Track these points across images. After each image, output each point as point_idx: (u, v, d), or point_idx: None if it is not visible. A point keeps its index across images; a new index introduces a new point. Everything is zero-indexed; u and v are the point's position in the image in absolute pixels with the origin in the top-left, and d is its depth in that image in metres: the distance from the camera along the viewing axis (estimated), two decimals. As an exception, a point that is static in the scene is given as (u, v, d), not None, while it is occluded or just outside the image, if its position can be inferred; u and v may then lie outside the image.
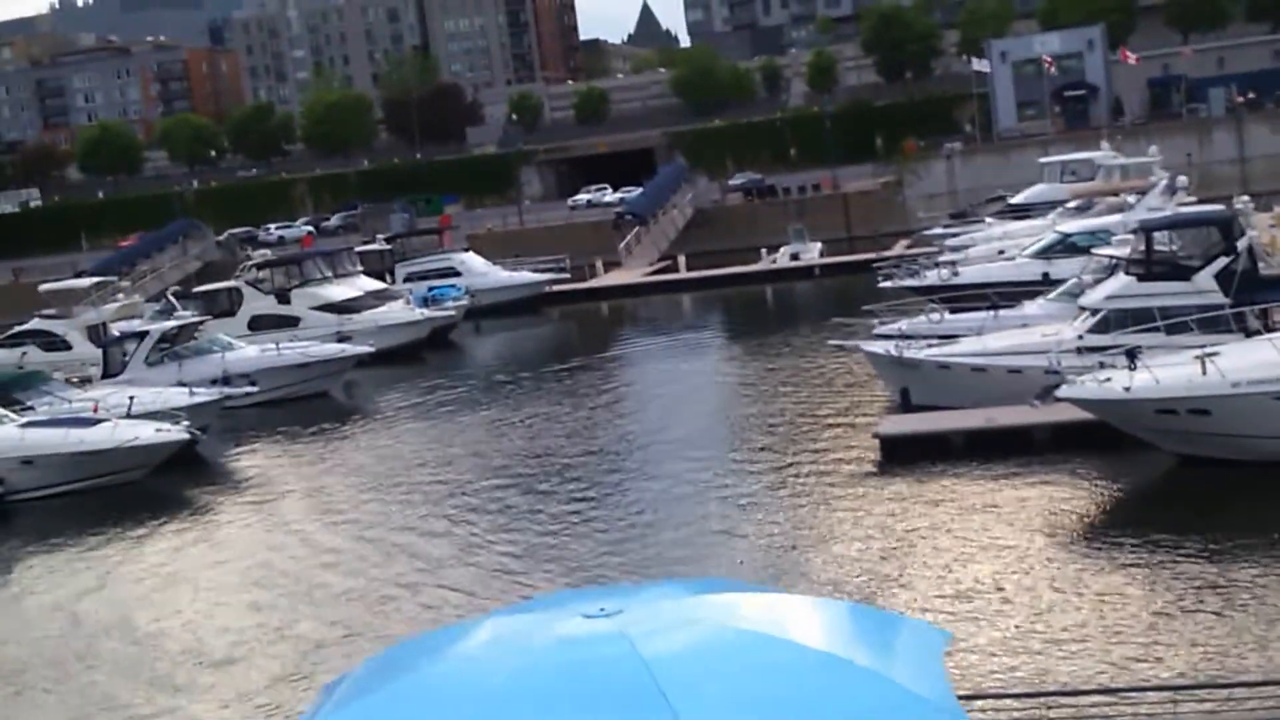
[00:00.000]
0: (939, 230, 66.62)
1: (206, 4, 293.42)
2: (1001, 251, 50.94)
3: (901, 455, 30.10)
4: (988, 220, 64.61)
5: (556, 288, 72.49)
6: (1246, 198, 32.84)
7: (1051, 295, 36.61)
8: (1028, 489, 27.04)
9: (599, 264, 78.15)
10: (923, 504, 26.90)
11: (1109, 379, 26.79)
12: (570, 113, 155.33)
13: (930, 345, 33.54)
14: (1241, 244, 30.17)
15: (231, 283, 60.70)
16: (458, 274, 69.88)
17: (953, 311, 37.67)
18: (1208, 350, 26.13)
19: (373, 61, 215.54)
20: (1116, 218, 45.53)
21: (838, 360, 41.64)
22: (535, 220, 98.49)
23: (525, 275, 72.34)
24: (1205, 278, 30.39)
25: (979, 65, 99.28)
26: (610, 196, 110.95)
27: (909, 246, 69.33)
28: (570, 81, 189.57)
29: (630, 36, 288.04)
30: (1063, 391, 27.10)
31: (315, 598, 25.55)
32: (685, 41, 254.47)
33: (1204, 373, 25.55)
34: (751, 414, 38.27)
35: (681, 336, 58.73)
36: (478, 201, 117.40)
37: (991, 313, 35.86)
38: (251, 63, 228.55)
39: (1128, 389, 26.23)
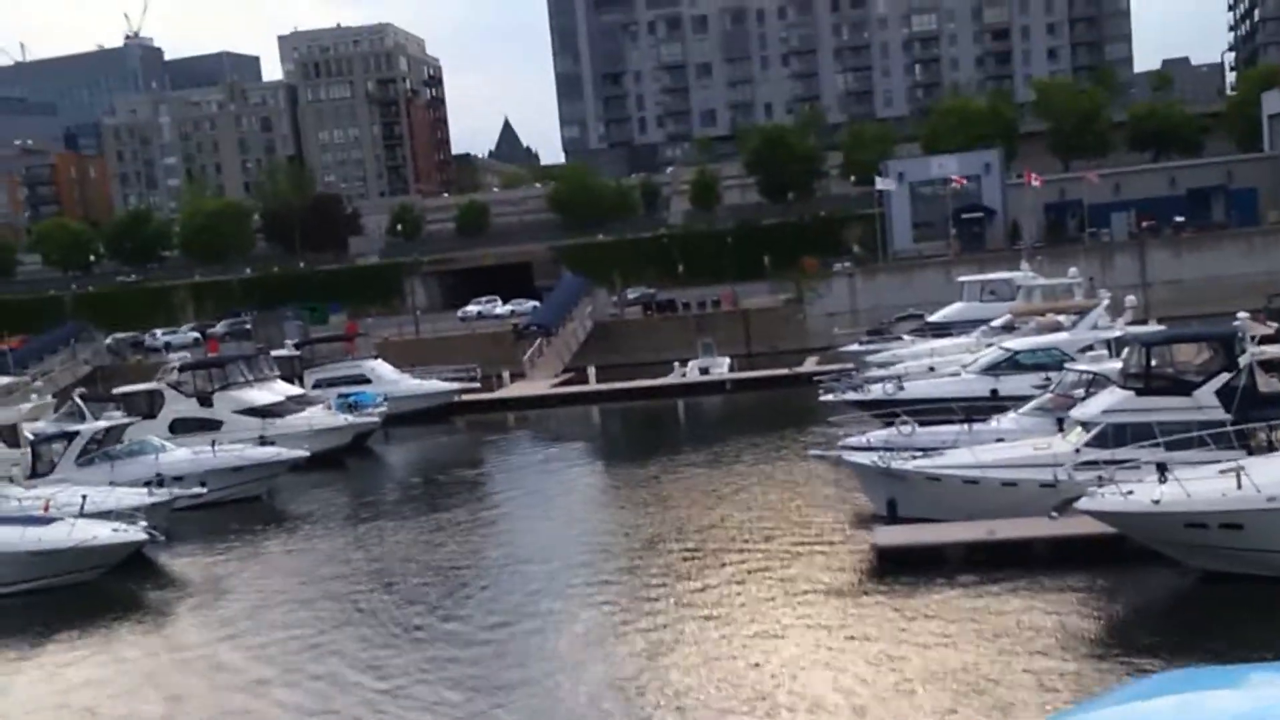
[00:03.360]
0: (856, 347, 67.26)
1: (63, 111, 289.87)
2: (932, 368, 51.43)
3: (899, 566, 29.62)
4: (905, 337, 65.47)
5: (466, 397, 72.36)
6: (1245, 314, 33.25)
7: (1024, 409, 36.81)
8: (1040, 604, 26.42)
9: (506, 374, 78.45)
10: (927, 620, 26.06)
11: (1131, 491, 26.44)
12: (449, 225, 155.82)
13: (915, 457, 33.35)
14: (1244, 360, 30.51)
15: (153, 385, 59.68)
16: (367, 381, 69.70)
17: (922, 425, 37.39)
18: (1238, 464, 26.04)
19: (245, 170, 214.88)
20: (1064, 336, 46.29)
21: (805, 471, 41.72)
22: (429, 330, 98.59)
23: (435, 384, 72.30)
24: (1206, 393, 30.49)
25: (883, 184, 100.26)
26: (501, 308, 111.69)
27: (820, 363, 70.29)
28: (445, 194, 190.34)
29: (492, 152, 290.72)
30: (1083, 504, 26.78)
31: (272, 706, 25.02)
32: (545, 158, 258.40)
33: (1239, 486, 25.42)
34: (730, 523, 37.15)
35: (615, 447, 58.60)
36: (362, 311, 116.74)
37: (965, 426, 35.86)
38: (122, 169, 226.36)
39: (1157, 501, 25.89)
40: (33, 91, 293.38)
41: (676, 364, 74.32)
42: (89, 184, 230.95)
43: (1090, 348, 41.56)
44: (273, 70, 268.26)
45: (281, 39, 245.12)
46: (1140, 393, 31.49)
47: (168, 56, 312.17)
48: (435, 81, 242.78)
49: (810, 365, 70.42)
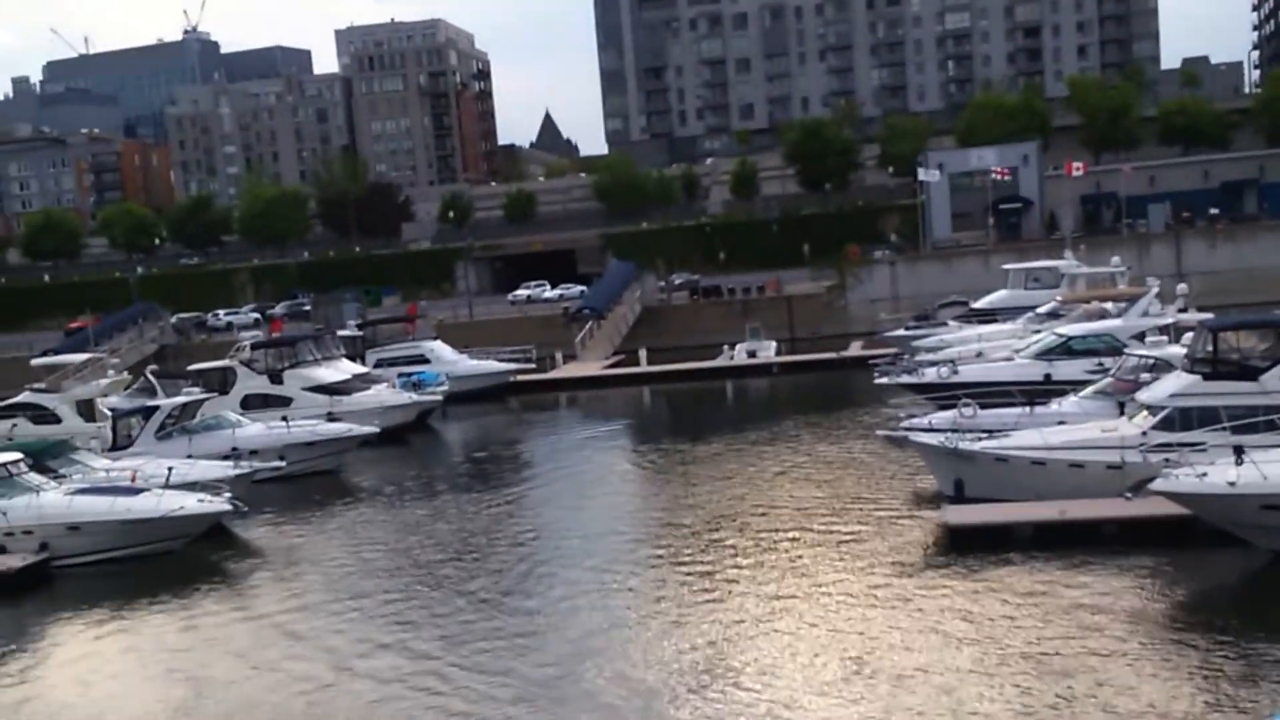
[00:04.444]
0: (902, 332, 68.25)
1: (124, 101, 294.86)
2: (980, 354, 51.88)
3: (971, 545, 29.83)
4: (949, 323, 66.24)
5: (521, 377, 74.20)
6: None
7: (1085, 393, 37.25)
8: (1113, 584, 26.55)
9: (559, 356, 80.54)
10: (1001, 599, 26.16)
11: (1206, 473, 26.70)
12: (497, 212, 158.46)
13: (980, 438, 33.68)
14: None
15: (225, 362, 61.76)
16: (426, 361, 71.65)
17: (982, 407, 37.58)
18: None
19: (301, 159, 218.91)
20: (1116, 322, 46.74)
21: (862, 451, 42.90)
22: (482, 313, 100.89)
23: (493, 364, 74.17)
24: (1273, 378, 30.58)
25: (925, 175, 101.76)
26: (550, 293, 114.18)
27: (864, 347, 71.68)
28: (493, 183, 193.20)
29: (533, 143, 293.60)
30: (1158, 485, 26.97)
31: (352, 682, 25.09)
32: (584, 150, 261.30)
33: None
34: (797, 501, 37.18)
35: (670, 427, 59.35)
36: (414, 294, 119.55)
37: (1026, 409, 36.34)
38: (183, 157, 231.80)
39: (1232, 483, 26.10)
40: (96, 83, 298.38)
41: (725, 347, 75.94)
42: (151, 171, 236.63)
43: (1143, 334, 41.86)
44: (323, 64, 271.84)
45: (338, 33, 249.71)
46: (1207, 377, 31.58)
47: (223, 50, 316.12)
48: (483, 75, 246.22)
49: (855, 349, 72.10)
